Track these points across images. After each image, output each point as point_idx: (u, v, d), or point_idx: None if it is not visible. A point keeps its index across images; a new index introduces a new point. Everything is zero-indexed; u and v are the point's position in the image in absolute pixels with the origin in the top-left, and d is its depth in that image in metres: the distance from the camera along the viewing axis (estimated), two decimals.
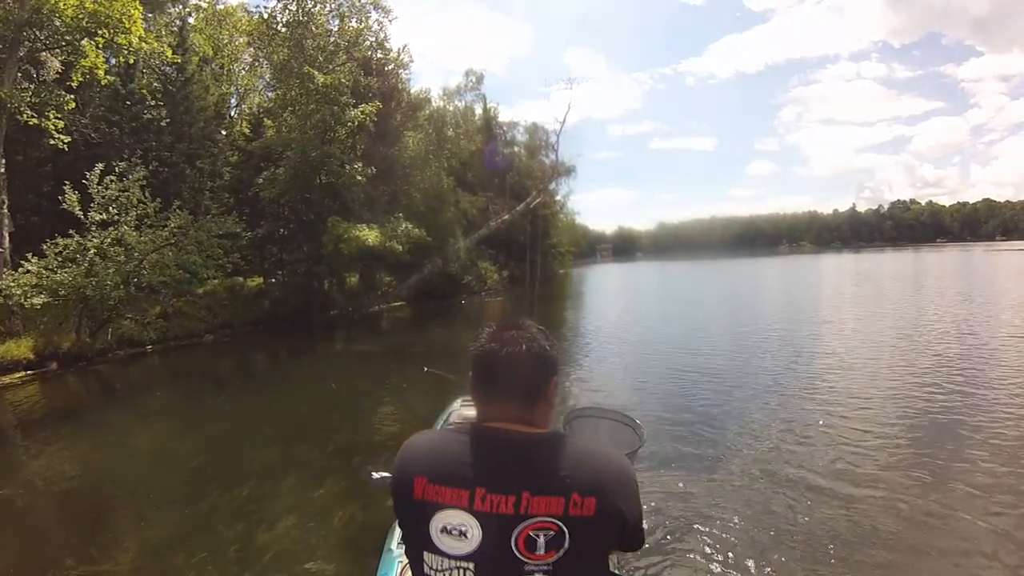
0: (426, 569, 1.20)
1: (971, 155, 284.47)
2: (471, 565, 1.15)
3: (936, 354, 10.70)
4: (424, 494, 1.20)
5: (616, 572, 1.40)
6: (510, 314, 23.06)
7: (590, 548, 1.17)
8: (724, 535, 4.24)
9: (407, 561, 2.65)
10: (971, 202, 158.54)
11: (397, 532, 3.04)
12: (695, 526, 4.38)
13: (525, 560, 1.13)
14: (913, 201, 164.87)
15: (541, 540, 1.13)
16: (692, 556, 4.00)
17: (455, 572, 1.16)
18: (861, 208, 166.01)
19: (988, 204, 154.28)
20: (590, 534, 1.16)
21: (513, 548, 1.14)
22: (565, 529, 1.14)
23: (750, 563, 3.87)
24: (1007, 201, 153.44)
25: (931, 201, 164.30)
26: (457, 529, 1.16)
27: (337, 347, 17.08)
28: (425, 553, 1.20)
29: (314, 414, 8.79)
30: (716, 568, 3.85)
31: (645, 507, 4.11)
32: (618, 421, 3.69)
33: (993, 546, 4.04)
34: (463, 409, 4.62)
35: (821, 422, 6.95)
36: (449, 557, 1.16)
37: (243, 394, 10.91)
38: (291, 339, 18.31)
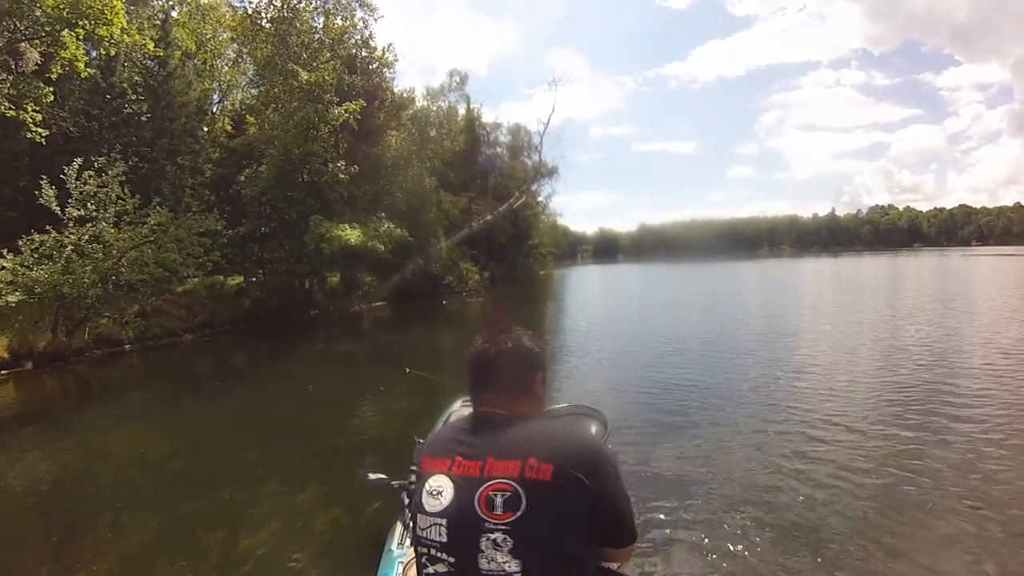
0: (418, 531, 1.35)
1: (948, 162, 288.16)
2: (444, 521, 1.29)
3: (921, 348, 10.86)
4: (424, 467, 1.41)
5: (612, 568, 1.44)
6: (491, 315, 23.15)
7: (549, 514, 1.24)
8: (717, 530, 4.26)
9: (407, 561, 2.65)
10: (948, 208, 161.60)
11: (397, 532, 3.17)
12: (688, 523, 4.38)
13: (485, 519, 1.24)
14: (891, 206, 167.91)
15: (499, 500, 1.24)
16: (688, 554, 4.01)
17: (433, 528, 1.31)
18: (840, 213, 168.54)
19: (964, 210, 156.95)
20: (547, 499, 1.24)
21: (476, 507, 1.26)
22: (521, 491, 1.24)
23: (746, 558, 3.90)
24: (983, 207, 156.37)
25: (908, 207, 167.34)
26: (436, 490, 1.33)
27: (318, 347, 16.97)
28: (418, 515, 1.35)
29: (296, 415, 8.72)
30: (713, 564, 3.88)
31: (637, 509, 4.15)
32: (581, 414, 3.84)
33: (979, 535, 4.09)
34: (463, 409, 4.66)
35: (807, 413, 7.01)
36: (429, 515, 1.32)
37: (223, 395, 10.82)
38: (272, 339, 18.23)
